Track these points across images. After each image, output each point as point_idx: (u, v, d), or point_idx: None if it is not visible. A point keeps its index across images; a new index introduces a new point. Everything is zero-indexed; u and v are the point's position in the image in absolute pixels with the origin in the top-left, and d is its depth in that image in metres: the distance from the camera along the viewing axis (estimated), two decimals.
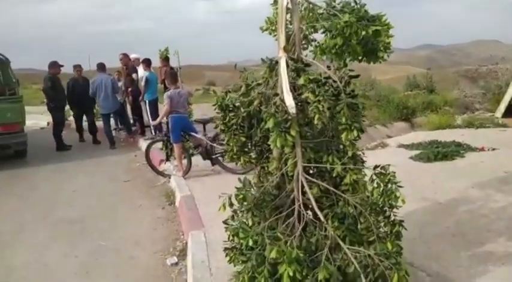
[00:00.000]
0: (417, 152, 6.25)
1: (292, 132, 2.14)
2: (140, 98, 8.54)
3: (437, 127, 8.80)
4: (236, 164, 2.71)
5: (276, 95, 2.31)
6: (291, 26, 2.55)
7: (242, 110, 2.52)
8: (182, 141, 5.62)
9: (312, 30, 2.84)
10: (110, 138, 8.47)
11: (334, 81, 2.20)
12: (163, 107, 5.81)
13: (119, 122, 9.56)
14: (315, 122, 2.16)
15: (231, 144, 2.55)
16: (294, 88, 2.33)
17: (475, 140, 6.77)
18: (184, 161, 5.69)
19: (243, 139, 2.51)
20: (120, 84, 9.13)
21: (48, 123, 10.72)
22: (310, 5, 2.68)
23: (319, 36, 2.76)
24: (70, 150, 8.46)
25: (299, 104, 2.29)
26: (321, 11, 2.67)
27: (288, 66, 2.31)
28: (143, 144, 8.20)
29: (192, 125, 6.04)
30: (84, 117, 9.26)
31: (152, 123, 7.20)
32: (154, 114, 8.37)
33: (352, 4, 2.65)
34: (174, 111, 5.52)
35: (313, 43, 2.81)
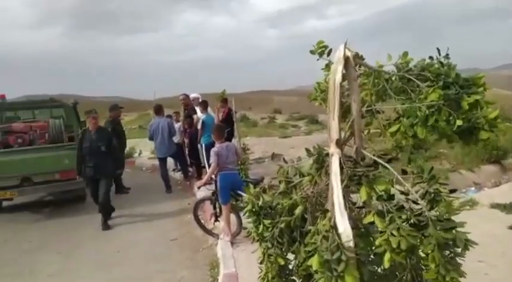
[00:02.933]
0: None
1: (349, 280, 1.40)
2: (197, 141, 8.26)
3: None
4: None
5: (326, 212, 1.61)
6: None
7: (280, 217, 1.85)
8: (231, 202, 5.04)
9: (374, 97, 2.12)
10: (166, 182, 8.22)
11: (415, 202, 1.44)
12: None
13: (177, 164, 9.37)
14: (385, 264, 1.41)
15: (266, 267, 1.88)
16: (352, 202, 1.62)
17: None
18: (233, 219, 5.09)
19: (281, 262, 1.82)
20: (178, 125, 8.97)
21: None
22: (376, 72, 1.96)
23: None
24: (128, 194, 8.35)
25: (360, 227, 1.57)
26: (389, 77, 1.96)
27: (342, 168, 1.60)
28: (197, 191, 7.83)
29: (241, 181, 5.43)
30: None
31: (197, 184, 6.61)
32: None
33: (437, 65, 1.91)
34: (222, 169, 4.98)
35: (379, 116, 2.08)
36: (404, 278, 1.51)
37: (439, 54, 1.93)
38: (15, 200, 7.38)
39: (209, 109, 8.53)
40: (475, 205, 5.81)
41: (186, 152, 8.95)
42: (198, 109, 8.56)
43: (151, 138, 8.28)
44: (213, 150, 5.02)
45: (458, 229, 1.34)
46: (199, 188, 6.65)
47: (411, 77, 1.89)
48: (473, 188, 7.70)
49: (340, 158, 1.61)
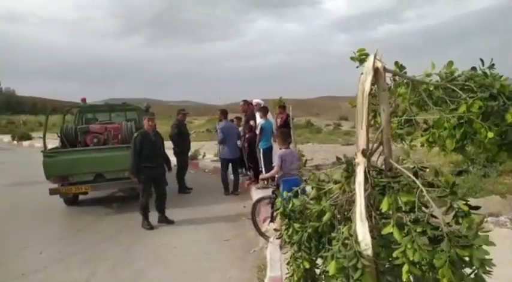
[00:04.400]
0: None
1: None
2: (255, 145, 8.43)
3: None
4: None
5: (348, 220, 1.64)
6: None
7: (310, 222, 1.90)
8: None
9: (416, 107, 2.08)
10: (225, 185, 8.48)
11: (433, 215, 1.41)
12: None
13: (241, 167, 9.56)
14: (403, 276, 1.41)
15: (292, 269, 1.94)
16: (378, 211, 1.62)
17: None
18: None
19: (307, 265, 1.86)
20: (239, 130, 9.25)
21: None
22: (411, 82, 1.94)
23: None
24: (189, 194, 8.76)
25: (383, 238, 1.57)
26: (427, 87, 1.93)
27: (367, 178, 1.62)
28: (254, 193, 7.99)
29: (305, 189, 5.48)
30: None
31: (261, 177, 6.95)
32: (268, 163, 8.13)
33: (481, 76, 1.85)
34: (285, 174, 5.09)
35: (421, 126, 2.04)
36: None
37: (483, 65, 1.87)
38: (90, 195, 8.13)
39: (269, 115, 8.69)
40: None
41: (245, 156, 9.16)
42: (257, 115, 8.74)
43: (223, 141, 8.52)
44: (278, 154, 5.18)
45: (479, 247, 1.29)
46: (263, 180, 6.91)
47: (454, 87, 1.84)
48: None
49: (365, 168, 1.63)
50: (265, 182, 8.23)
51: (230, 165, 8.69)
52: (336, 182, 1.90)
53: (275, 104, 8.46)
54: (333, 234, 1.70)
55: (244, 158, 9.00)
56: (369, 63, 1.67)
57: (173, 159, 8.99)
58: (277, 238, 4.90)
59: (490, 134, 1.54)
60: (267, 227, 5.84)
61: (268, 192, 6.49)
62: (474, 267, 1.35)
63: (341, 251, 1.48)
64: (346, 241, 1.52)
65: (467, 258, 1.29)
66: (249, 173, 9.25)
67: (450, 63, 1.93)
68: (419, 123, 2.03)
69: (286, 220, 1.98)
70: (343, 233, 1.55)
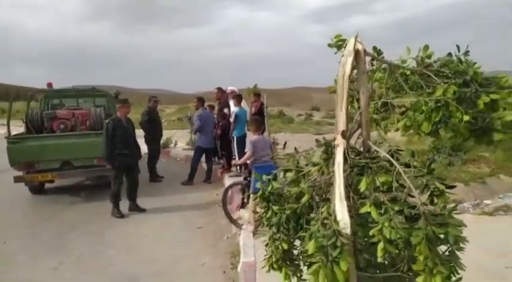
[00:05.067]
0: None
1: (343, 265, 1.44)
2: (229, 133, 8.38)
3: None
4: None
5: (326, 200, 1.66)
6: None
7: (288, 205, 1.91)
8: None
9: (392, 92, 2.11)
10: (192, 173, 8.37)
11: (410, 194, 1.45)
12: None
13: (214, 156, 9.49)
14: (379, 255, 1.44)
15: (270, 249, 1.95)
16: (356, 192, 1.64)
17: None
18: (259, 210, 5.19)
19: (285, 246, 1.88)
20: None
21: None
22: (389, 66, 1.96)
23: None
24: (161, 182, 8.64)
25: (360, 217, 1.59)
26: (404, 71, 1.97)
27: (346, 159, 1.64)
28: (227, 181, 7.98)
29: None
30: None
31: (234, 162, 6.95)
32: (241, 151, 8.12)
33: (456, 62, 1.89)
34: (256, 160, 5.10)
35: (397, 111, 2.08)
36: (401, 268, 1.53)
37: (458, 51, 1.91)
38: (56, 183, 7.86)
39: (243, 103, 8.65)
40: (509, 211, 5.57)
41: (218, 144, 9.10)
42: (231, 102, 8.69)
43: (200, 129, 8.38)
44: (250, 141, 5.22)
45: (454, 225, 1.34)
46: (235, 166, 6.97)
47: (429, 73, 1.88)
48: (511, 194, 7.34)
49: (344, 149, 1.64)
50: (238, 170, 8.23)
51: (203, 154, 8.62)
52: (314, 165, 1.92)
53: (250, 92, 8.44)
54: (312, 215, 1.72)
55: (217, 146, 8.95)
56: (350, 45, 1.68)
57: (144, 147, 8.85)
58: (256, 220, 4.95)
59: (466, 117, 1.59)
60: (239, 213, 5.86)
61: (241, 179, 6.51)
62: (448, 245, 1.40)
63: (320, 231, 1.50)
64: (325, 221, 1.53)
65: (442, 236, 1.33)
66: (221, 161, 9.21)
67: (426, 47, 1.97)
68: (395, 108, 2.08)
69: (265, 203, 1.97)
70: (322, 213, 1.56)
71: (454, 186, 1.46)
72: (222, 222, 5.80)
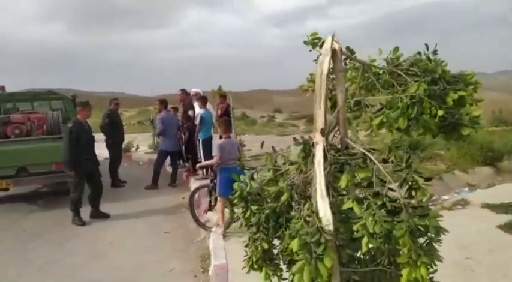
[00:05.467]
0: (509, 217, 5.08)
1: (327, 262, 1.45)
2: (195, 136, 8.26)
3: None
4: None
5: (307, 198, 1.66)
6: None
7: (267, 204, 1.90)
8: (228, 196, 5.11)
9: (363, 90, 2.16)
10: (155, 177, 8.18)
11: (391, 189, 1.49)
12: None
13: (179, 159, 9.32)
14: (363, 248, 1.47)
15: (251, 250, 1.93)
16: (334, 189, 1.66)
17: None
18: (227, 212, 5.15)
19: (265, 246, 1.87)
20: None
21: None
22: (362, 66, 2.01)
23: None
24: (123, 187, 8.39)
25: (341, 213, 1.61)
26: (377, 71, 2.02)
27: (325, 157, 1.65)
28: (193, 184, 7.87)
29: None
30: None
31: (198, 165, 6.82)
32: (207, 154, 8.04)
33: (424, 61, 1.96)
34: (223, 163, 5.03)
35: (367, 110, 2.13)
36: (381, 262, 1.56)
37: (427, 50, 1.98)
38: (12, 191, 7.42)
39: (209, 105, 8.57)
40: (466, 205, 5.87)
41: (183, 147, 8.95)
42: (196, 104, 8.59)
43: (163, 132, 8.18)
44: (218, 144, 5.12)
45: (432, 217, 1.38)
46: (200, 168, 6.88)
47: (399, 72, 1.94)
48: (466, 189, 7.76)
49: (324, 147, 1.66)
50: (205, 173, 8.14)
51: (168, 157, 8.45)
52: (292, 163, 1.93)
53: (215, 93, 8.36)
54: (292, 213, 1.72)
55: (182, 149, 8.82)
56: (327, 44, 1.70)
57: (104, 152, 8.57)
58: (225, 223, 4.90)
59: (440, 112, 1.65)
60: (207, 216, 5.79)
61: (207, 182, 6.43)
62: (426, 237, 1.45)
63: (303, 228, 1.50)
64: (308, 218, 1.54)
65: (422, 228, 1.37)
66: (187, 164, 9.08)
67: (396, 49, 2.03)
68: (368, 107, 2.13)
69: (244, 203, 1.96)
70: (304, 210, 1.57)
71: (431, 179, 1.51)
72: (191, 226, 5.70)
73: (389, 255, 1.57)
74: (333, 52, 1.71)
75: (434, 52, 1.94)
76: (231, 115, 8.19)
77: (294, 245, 1.50)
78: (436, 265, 1.48)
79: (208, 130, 8.14)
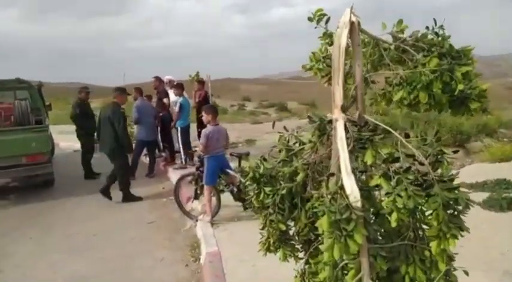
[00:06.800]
0: (484, 195, 5.29)
1: (358, 238, 1.42)
2: (172, 124, 8.06)
3: (500, 158, 7.68)
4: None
5: (331, 175, 1.63)
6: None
7: (281, 184, 1.85)
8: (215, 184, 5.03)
9: (369, 66, 2.13)
10: (133, 168, 7.92)
11: (420, 163, 1.47)
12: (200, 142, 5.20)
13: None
14: (392, 223, 1.45)
15: (268, 233, 1.88)
16: (355, 167, 1.63)
17: None
18: (213, 200, 5.07)
19: (283, 227, 1.83)
20: None
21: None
22: (373, 40, 1.98)
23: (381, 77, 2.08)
24: (98, 179, 8.10)
25: (364, 189, 1.59)
26: (387, 46, 2.00)
27: (347, 132, 1.62)
28: (172, 174, 7.73)
29: (228, 161, 5.36)
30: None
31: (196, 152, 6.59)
32: (186, 142, 7.89)
33: (431, 36, 1.95)
34: (211, 151, 4.91)
35: (373, 86, 2.11)
36: (407, 236, 1.56)
37: (436, 25, 1.97)
38: None
39: (184, 92, 8.36)
40: None
41: (159, 136, 8.71)
42: (171, 92, 8.37)
43: (138, 121, 7.87)
44: (204, 132, 4.92)
45: (461, 190, 1.39)
46: (185, 155, 6.88)
47: (407, 47, 1.92)
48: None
49: (345, 123, 1.62)
50: (183, 162, 8.00)
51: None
52: (302, 143, 1.90)
53: (192, 79, 8.14)
54: (312, 192, 1.68)
55: (158, 139, 8.60)
56: (345, 17, 1.65)
57: (72, 144, 8.25)
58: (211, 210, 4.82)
59: (461, 86, 1.65)
60: (192, 205, 5.70)
61: (186, 171, 6.32)
62: (453, 209, 1.45)
63: (332, 206, 1.46)
64: (335, 196, 1.50)
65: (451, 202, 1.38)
66: (163, 154, 8.88)
67: (400, 21, 2.01)
68: (375, 83, 2.11)
69: (256, 185, 1.90)
70: (330, 188, 1.53)
71: (458, 151, 1.50)
72: (174, 216, 5.59)
73: (415, 230, 1.57)
74: (351, 25, 1.67)
75: (441, 27, 1.94)
76: (210, 102, 8.04)
77: (323, 223, 1.46)
78: (462, 236, 1.49)
79: (186, 118, 7.97)
